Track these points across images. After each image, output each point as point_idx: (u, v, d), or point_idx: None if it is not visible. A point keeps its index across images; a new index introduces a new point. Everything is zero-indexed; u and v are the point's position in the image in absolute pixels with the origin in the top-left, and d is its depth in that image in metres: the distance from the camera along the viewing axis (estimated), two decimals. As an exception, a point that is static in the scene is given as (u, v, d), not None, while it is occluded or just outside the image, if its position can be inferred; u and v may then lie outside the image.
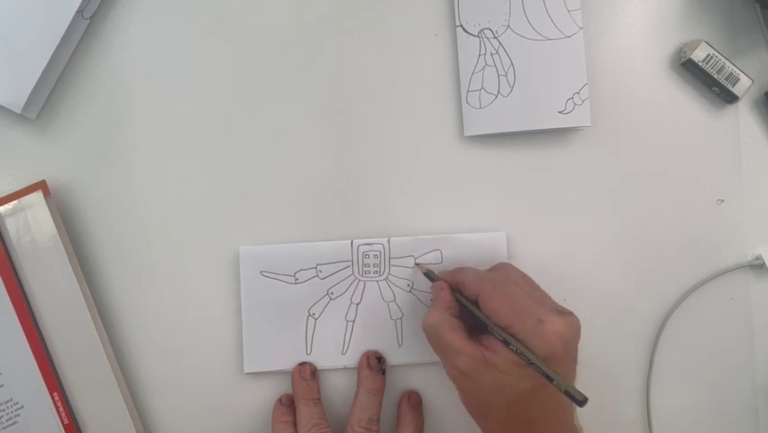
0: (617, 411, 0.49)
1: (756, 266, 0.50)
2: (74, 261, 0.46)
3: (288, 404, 0.47)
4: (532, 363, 0.38)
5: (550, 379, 0.38)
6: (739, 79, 0.49)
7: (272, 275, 0.48)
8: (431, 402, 0.49)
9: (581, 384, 0.39)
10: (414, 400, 0.48)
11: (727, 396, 0.50)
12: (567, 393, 0.38)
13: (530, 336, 0.39)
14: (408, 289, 0.48)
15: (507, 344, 0.39)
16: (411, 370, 0.49)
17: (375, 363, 0.47)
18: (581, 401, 0.38)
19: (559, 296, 0.44)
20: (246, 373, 0.48)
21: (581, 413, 0.41)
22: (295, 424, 0.46)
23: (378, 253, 0.48)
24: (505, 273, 0.44)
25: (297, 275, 0.48)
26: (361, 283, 0.48)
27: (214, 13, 0.49)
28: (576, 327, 0.40)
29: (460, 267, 0.46)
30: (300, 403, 0.46)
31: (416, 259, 0.48)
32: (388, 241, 0.48)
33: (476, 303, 0.42)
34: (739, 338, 0.50)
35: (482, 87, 0.48)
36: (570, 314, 0.41)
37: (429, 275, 0.47)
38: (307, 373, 0.47)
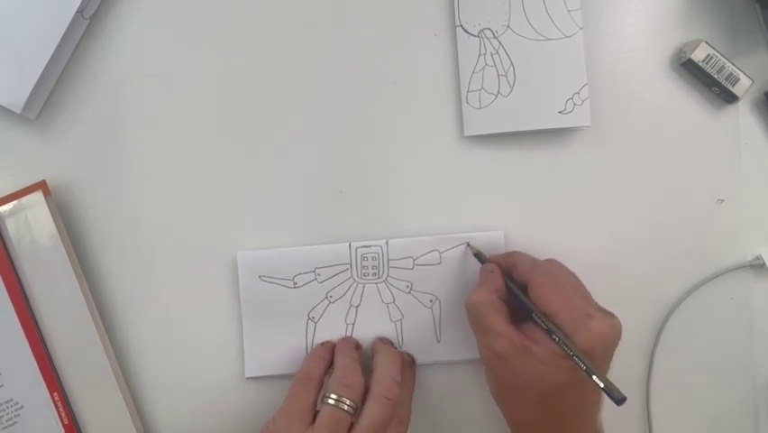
0: (618, 411, 0.49)
1: (756, 266, 0.50)
2: (74, 261, 0.46)
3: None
4: (573, 355, 0.38)
5: (589, 374, 0.38)
6: (739, 79, 0.48)
7: (271, 279, 0.48)
8: (432, 403, 0.49)
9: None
10: (407, 360, 0.47)
11: (727, 396, 0.50)
12: (605, 390, 0.37)
13: (575, 328, 0.39)
14: (408, 290, 0.48)
15: (549, 333, 0.39)
16: (411, 370, 0.49)
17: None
18: (620, 400, 0.37)
19: (558, 296, 0.44)
20: (247, 378, 0.48)
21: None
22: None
23: (376, 256, 0.48)
24: (554, 267, 0.44)
25: (295, 279, 0.48)
26: (360, 286, 0.48)
27: (214, 13, 0.49)
28: (618, 329, 0.40)
29: (514, 251, 0.46)
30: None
31: (414, 260, 0.48)
32: (386, 243, 0.48)
33: (524, 289, 0.42)
34: (739, 338, 0.50)
35: (482, 87, 0.48)
36: (613, 316, 0.40)
37: (479, 256, 0.47)
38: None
